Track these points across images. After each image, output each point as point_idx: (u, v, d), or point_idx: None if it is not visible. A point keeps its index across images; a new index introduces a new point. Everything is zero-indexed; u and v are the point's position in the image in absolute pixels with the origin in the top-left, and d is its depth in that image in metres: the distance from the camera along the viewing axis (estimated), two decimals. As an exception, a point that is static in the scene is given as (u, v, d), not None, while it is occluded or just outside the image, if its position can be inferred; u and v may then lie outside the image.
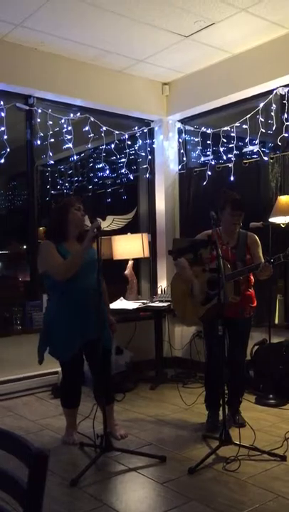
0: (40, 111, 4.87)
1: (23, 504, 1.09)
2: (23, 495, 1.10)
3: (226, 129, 5.15)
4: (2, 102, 4.63)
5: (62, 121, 5.01)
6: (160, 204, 5.78)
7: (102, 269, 3.09)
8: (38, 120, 4.88)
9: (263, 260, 3.58)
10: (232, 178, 5.01)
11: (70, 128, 5.02)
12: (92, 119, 5.15)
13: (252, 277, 3.65)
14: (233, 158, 5.06)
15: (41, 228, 5.72)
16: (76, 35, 4.47)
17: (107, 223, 5.51)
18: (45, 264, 3.29)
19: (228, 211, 3.60)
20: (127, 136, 5.49)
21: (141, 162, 5.78)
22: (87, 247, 3.17)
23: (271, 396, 4.22)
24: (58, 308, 3.32)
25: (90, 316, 3.18)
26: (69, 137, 5.02)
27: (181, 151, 5.75)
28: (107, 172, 5.52)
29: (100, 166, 5.44)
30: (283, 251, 3.35)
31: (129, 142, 5.52)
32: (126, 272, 5.29)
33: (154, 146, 5.78)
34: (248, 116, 4.90)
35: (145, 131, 5.74)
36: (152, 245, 5.74)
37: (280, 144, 4.69)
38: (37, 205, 5.06)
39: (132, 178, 5.70)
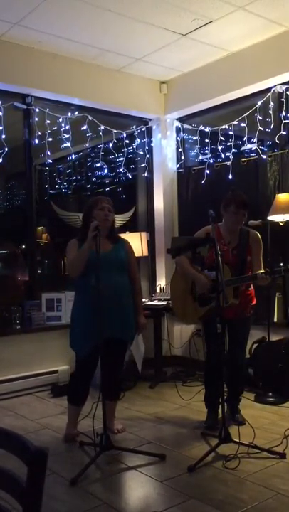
0: (38, 110, 4.86)
1: (23, 503, 1.09)
2: (22, 493, 1.10)
3: (224, 127, 5.15)
4: (0, 102, 4.63)
5: (60, 120, 5.00)
6: (158, 203, 5.78)
7: (102, 267, 3.09)
8: (36, 119, 4.87)
9: (261, 265, 3.59)
10: (230, 177, 5.01)
11: (68, 127, 5.01)
12: (90, 118, 5.14)
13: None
14: (232, 157, 5.06)
15: (39, 228, 5.72)
16: (74, 34, 4.46)
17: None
18: (66, 261, 3.40)
19: (232, 209, 3.57)
20: (125, 135, 5.49)
21: (139, 161, 5.78)
22: (88, 248, 3.20)
23: (270, 394, 4.23)
24: (80, 304, 3.41)
25: (109, 315, 3.19)
26: (67, 136, 5.01)
27: (180, 149, 5.74)
28: (106, 171, 5.52)
29: (99, 165, 5.43)
30: (285, 264, 3.41)
31: (128, 141, 5.52)
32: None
33: (152, 144, 5.77)
34: (246, 114, 4.90)
35: (143, 129, 5.73)
36: (151, 244, 5.74)
37: (278, 142, 4.69)
38: (35, 204, 5.06)
39: (130, 177, 5.69)
